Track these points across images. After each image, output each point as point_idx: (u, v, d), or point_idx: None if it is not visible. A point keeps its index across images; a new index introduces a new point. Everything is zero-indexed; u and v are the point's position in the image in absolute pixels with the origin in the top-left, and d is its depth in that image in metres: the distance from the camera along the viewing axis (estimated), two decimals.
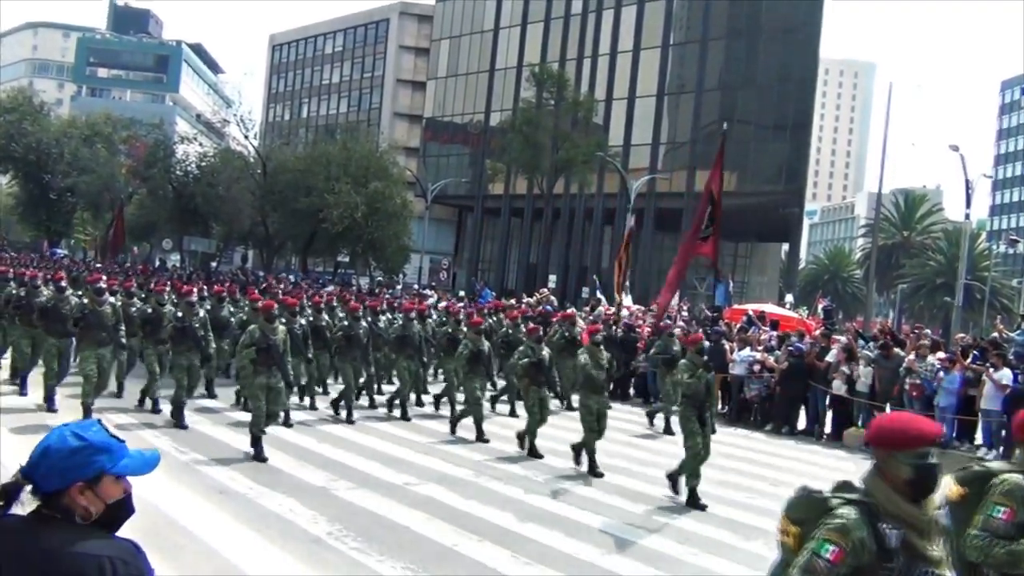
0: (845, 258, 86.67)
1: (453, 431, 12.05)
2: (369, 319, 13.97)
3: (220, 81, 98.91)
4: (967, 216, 33.37)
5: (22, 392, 12.09)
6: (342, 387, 12.96)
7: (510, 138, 43.56)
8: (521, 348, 11.60)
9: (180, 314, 11.66)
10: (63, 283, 12.64)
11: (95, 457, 2.00)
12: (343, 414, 12.60)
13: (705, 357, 9.60)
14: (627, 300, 26.58)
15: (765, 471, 11.37)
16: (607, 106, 49.82)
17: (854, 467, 11.96)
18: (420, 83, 64.80)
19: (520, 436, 11.11)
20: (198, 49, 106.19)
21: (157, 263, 41.73)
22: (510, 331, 15.43)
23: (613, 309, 22.72)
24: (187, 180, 40.64)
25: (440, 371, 15.65)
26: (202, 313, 12.05)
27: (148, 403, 12.03)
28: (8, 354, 13.59)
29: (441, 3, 61.73)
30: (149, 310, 12.50)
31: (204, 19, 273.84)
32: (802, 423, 14.94)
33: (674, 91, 48.73)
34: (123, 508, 2.07)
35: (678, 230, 46.69)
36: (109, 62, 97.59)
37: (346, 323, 13.33)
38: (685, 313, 24.98)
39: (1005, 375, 12.52)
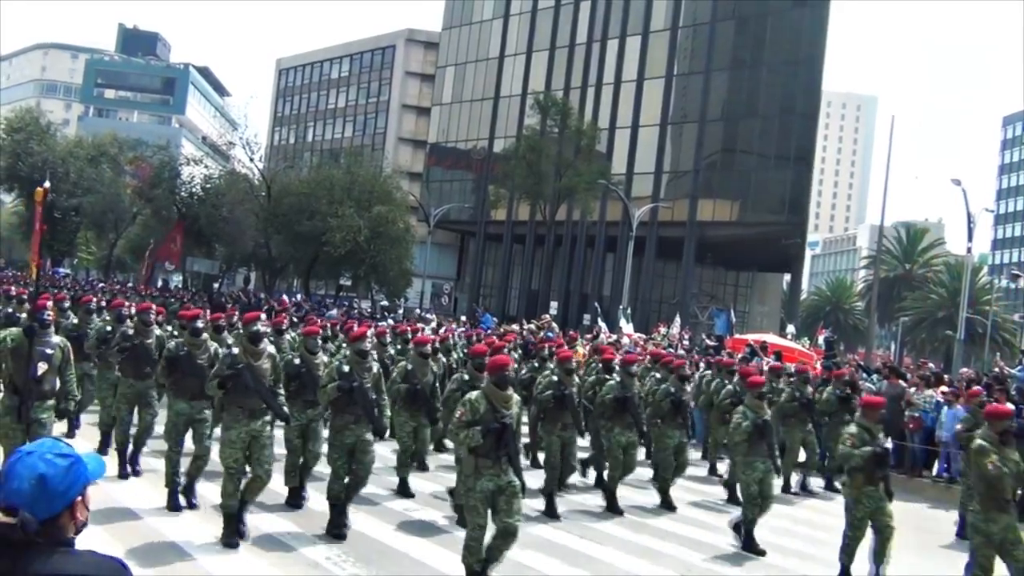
0: (847, 290, 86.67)
1: (668, 505, 10.21)
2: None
3: (226, 104, 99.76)
4: (969, 250, 33.42)
5: (133, 471, 9.16)
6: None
7: (513, 165, 43.77)
8: (660, 389, 9.70)
9: (347, 368, 7.69)
10: (199, 323, 8.58)
11: (81, 469, 2.03)
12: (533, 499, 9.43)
13: None
14: (628, 328, 26.60)
15: None
16: (610, 134, 50.11)
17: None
18: (425, 109, 65.21)
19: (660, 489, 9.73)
20: (205, 72, 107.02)
21: (160, 283, 41.74)
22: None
23: (614, 337, 22.69)
24: (191, 201, 40.85)
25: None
26: (375, 368, 8.09)
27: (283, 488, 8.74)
28: (92, 408, 10.75)
29: (447, 30, 62.30)
30: (297, 361, 8.68)
31: (212, 43, 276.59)
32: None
33: (677, 121, 49.01)
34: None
35: (679, 259, 46.84)
36: (117, 83, 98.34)
37: (554, 378, 9.65)
38: (687, 342, 24.95)
39: None
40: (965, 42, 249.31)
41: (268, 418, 7.42)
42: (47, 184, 5.20)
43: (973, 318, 47.45)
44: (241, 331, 8.73)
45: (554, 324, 26.72)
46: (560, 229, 48.22)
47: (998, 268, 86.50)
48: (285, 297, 32.86)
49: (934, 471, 13.51)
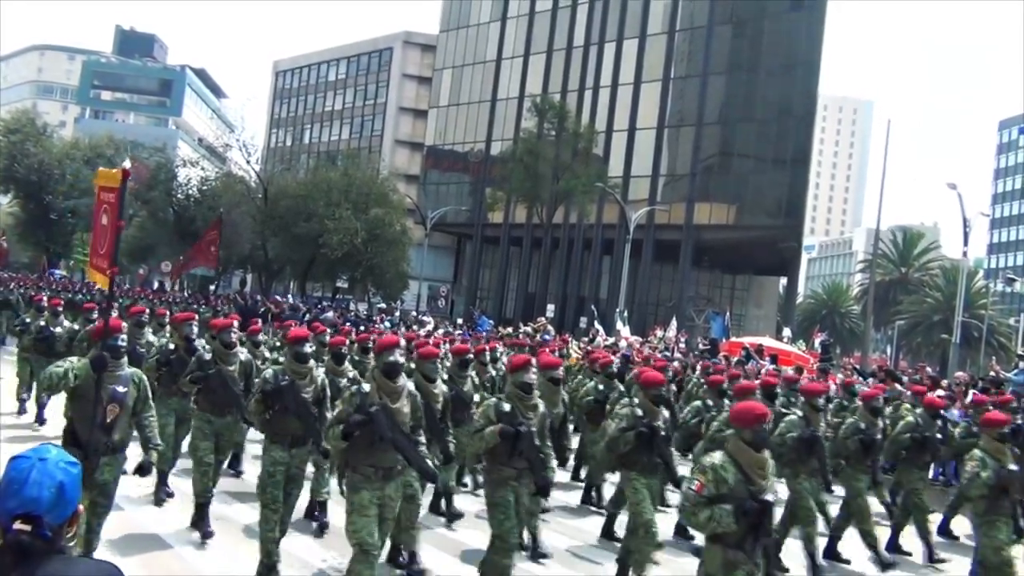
0: (843, 293, 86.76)
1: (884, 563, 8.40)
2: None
3: (223, 106, 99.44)
4: (965, 254, 33.48)
5: (205, 530, 7.28)
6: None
7: (511, 167, 43.80)
8: (847, 424, 8.31)
9: (508, 407, 6.04)
10: (307, 346, 6.55)
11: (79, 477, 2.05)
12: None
13: None
14: (624, 330, 26.61)
15: None
16: (607, 137, 50.13)
17: None
18: (422, 111, 65.20)
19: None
20: (202, 74, 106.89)
21: (156, 285, 41.71)
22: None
23: (611, 339, 22.70)
24: (188, 203, 40.86)
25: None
26: (541, 407, 6.29)
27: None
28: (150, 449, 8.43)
29: (444, 33, 62.31)
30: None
31: (208, 44, 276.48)
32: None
33: (674, 124, 49.06)
34: None
35: (676, 262, 46.87)
36: (113, 85, 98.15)
37: (794, 417, 8.01)
38: (683, 345, 24.98)
39: None
40: (964, 42, 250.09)
41: (400, 476, 5.69)
42: (126, 164, 3.99)
43: (969, 322, 47.52)
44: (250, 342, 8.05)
45: (550, 327, 26.74)
46: (557, 232, 48.24)
47: (994, 272, 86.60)
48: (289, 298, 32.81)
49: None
